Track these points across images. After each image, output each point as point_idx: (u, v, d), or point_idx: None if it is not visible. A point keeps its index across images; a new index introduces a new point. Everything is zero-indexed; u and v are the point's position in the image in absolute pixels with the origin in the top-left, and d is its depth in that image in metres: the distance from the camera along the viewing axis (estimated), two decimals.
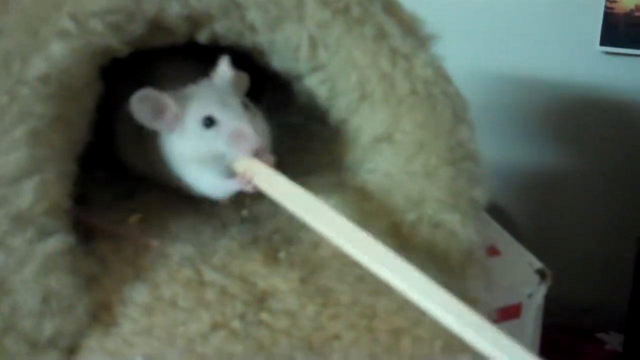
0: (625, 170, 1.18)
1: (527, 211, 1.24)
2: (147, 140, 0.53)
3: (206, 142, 0.49)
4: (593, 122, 1.16)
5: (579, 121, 1.17)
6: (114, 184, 0.59)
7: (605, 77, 1.13)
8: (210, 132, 0.49)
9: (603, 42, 1.08)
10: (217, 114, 0.49)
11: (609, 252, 1.21)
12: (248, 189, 0.50)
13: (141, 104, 0.48)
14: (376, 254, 0.43)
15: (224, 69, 0.53)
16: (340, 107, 0.55)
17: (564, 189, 1.21)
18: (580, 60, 1.13)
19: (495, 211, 0.79)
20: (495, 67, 1.16)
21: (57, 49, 0.44)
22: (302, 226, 0.52)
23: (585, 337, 1.18)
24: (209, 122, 0.49)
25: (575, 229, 1.21)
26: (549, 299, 0.63)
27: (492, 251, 0.64)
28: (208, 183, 0.53)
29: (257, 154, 0.49)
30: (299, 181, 0.49)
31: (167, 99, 0.49)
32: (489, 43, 1.15)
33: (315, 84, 0.55)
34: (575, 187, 1.21)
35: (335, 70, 0.54)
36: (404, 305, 0.46)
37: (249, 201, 0.57)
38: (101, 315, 0.43)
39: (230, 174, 0.51)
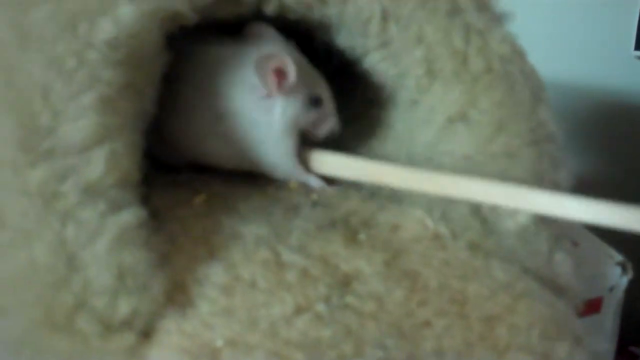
0: None
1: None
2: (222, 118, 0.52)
3: (307, 117, 0.52)
4: (628, 128, 1.14)
5: (613, 127, 1.15)
6: (174, 168, 0.55)
7: None
8: (313, 110, 0.52)
9: (638, 47, 1.07)
10: (324, 95, 0.53)
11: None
12: (316, 185, 0.55)
13: (262, 68, 0.49)
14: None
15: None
16: (409, 86, 0.52)
17: (598, 194, 1.18)
18: (615, 65, 1.11)
19: None
20: None
21: (126, 12, 0.41)
22: (378, 209, 0.49)
23: (619, 350, 1.14)
24: (316, 102, 0.52)
25: (608, 238, 1.18)
26: None
27: (572, 242, 0.60)
28: (289, 152, 0.53)
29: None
30: None
31: (290, 62, 0.49)
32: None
33: (379, 61, 0.53)
34: (610, 194, 1.18)
35: (400, 46, 0.51)
36: (497, 291, 0.43)
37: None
38: (176, 295, 0.39)
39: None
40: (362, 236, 0.47)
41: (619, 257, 0.59)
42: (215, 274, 0.41)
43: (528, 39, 1.10)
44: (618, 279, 0.58)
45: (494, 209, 0.48)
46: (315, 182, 0.55)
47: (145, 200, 0.42)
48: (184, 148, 0.55)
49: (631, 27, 1.06)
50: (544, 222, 0.48)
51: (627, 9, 1.06)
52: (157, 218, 0.45)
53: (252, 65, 0.49)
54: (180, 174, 0.56)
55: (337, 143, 0.57)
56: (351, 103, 0.61)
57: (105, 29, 0.41)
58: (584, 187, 1.11)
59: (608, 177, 1.18)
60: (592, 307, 0.58)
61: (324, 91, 0.53)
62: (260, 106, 0.51)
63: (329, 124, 0.53)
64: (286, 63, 0.49)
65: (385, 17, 0.50)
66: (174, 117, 0.53)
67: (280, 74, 0.49)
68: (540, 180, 0.49)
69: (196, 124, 0.53)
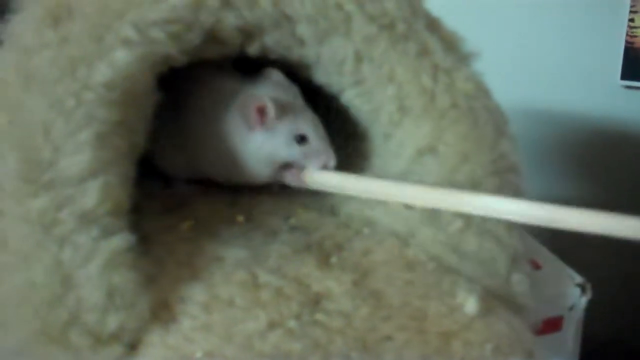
0: None
1: (545, 244, 1.24)
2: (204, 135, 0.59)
3: (293, 153, 0.57)
4: (614, 156, 1.17)
5: (599, 155, 1.18)
6: (163, 196, 0.60)
7: (627, 111, 1.13)
8: (299, 147, 0.56)
9: (624, 76, 1.10)
10: (309, 134, 0.56)
11: (632, 292, 1.20)
12: (298, 184, 0.59)
13: (246, 106, 0.55)
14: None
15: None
16: (383, 121, 0.57)
17: None
18: (602, 94, 1.14)
19: None
20: (515, 101, 1.16)
21: (121, 56, 0.46)
22: (352, 234, 0.53)
23: None
24: (301, 139, 0.56)
25: (595, 264, 1.21)
26: None
27: (534, 264, 0.64)
28: (266, 174, 0.59)
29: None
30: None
31: (270, 103, 0.55)
32: (509, 77, 1.16)
33: (354, 97, 0.57)
34: None
35: (373, 84, 0.56)
36: (454, 309, 0.47)
37: (297, 210, 0.58)
38: (161, 312, 0.43)
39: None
40: (334, 259, 0.51)
41: (578, 279, 0.63)
42: (196, 293, 0.45)
43: (516, 68, 1.14)
44: (577, 299, 0.62)
45: (461, 232, 0.52)
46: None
47: (135, 226, 0.47)
48: (184, 164, 0.62)
49: (617, 57, 1.10)
50: (503, 244, 0.51)
51: (614, 39, 1.09)
52: (146, 242, 0.49)
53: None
54: (173, 186, 0.63)
55: None
56: (332, 136, 0.66)
57: (102, 72, 0.45)
58: None
59: (596, 203, 1.19)
60: (553, 325, 0.61)
61: (313, 130, 0.57)
62: (245, 137, 0.57)
63: (321, 160, 0.57)
64: (266, 104, 0.55)
65: (358, 58, 0.55)
66: (182, 136, 0.60)
67: (262, 112, 0.55)
68: None
69: (200, 143, 0.60)
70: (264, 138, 0.56)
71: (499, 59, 1.11)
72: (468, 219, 0.51)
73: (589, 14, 1.11)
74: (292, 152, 0.56)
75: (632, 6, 1.06)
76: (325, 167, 0.57)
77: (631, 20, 1.07)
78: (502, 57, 1.16)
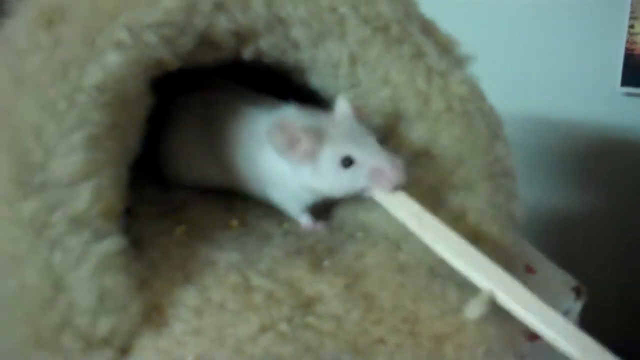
0: None
1: (544, 251, 1.25)
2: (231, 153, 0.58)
3: (347, 180, 0.51)
4: (614, 163, 1.17)
5: (599, 161, 1.18)
6: (159, 201, 0.60)
7: (627, 118, 1.14)
8: (350, 171, 0.51)
9: (624, 83, 1.10)
10: (355, 153, 0.50)
11: (624, 296, 1.19)
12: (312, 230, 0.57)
13: (277, 134, 0.50)
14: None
15: (342, 106, 0.53)
16: (378, 125, 0.56)
17: (584, 230, 1.21)
18: (602, 100, 1.14)
19: None
20: (516, 108, 1.16)
21: (113, 59, 0.46)
22: (344, 238, 0.53)
23: None
24: (348, 162, 0.50)
25: (592, 269, 1.21)
26: None
27: (528, 269, 0.64)
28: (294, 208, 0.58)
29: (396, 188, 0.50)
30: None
31: (302, 134, 0.51)
32: (509, 83, 1.16)
33: (350, 100, 0.56)
34: (595, 227, 1.21)
35: (368, 87, 0.56)
36: (447, 312, 0.47)
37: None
38: (153, 316, 0.44)
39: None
40: (326, 262, 0.51)
41: (573, 283, 0.63)
42: (188, 297, 0.45)
43: (517, 75, 1.14)
44: (572, 303, 0.62)
45: None
46: (305, 222, 0.59)
47: (130, 230, 0.47)
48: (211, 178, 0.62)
49: (617, 64, 1.09)
50: (497, 249, 0.51)
51: (614, 47, 1.09)
52: (140, 246, 0.49)
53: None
54: (170, 191, 0.63)
55: None
56: None
57: (94, 75, 0.45)
58: (570, 221, 1.14)
59: (595, 209, 1.20)
60: None
61: (357, 147, 0.51)
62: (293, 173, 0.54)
63: (386, 181, 0.50)
64: (297, 134, 0.51)
65: (353, 61, 0.55)
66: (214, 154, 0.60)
67: (293, 141, 0.51)
68: (497, 211, 0.53)
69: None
70: (312, 172, 0.52)
71: (499, 66, 1.11)
72: (462, 223, 0.51)
73: (589, 20, 1.11)
74: (345, 179, 0.51)
75: (632, 12, 1.06)
76: (395, 189, 0.50)
77: (631, 26, 1.07)
78: (502, 64, 1.16)
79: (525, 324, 0.43)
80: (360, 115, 0.53)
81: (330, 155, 0.51)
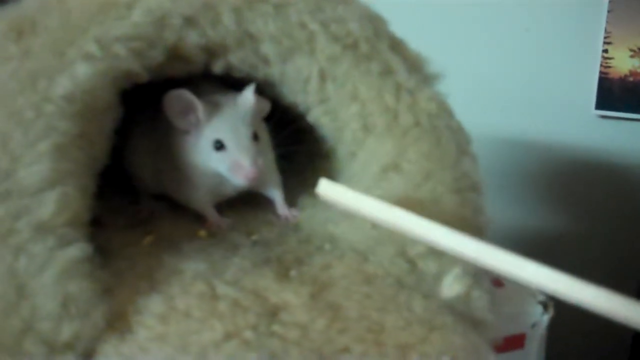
0: (621, 233, 1.19)
1: None
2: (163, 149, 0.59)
3: (213, 162, 0.56)
4: (589, 185, 1.19)
5: (574, 184, 1.20)
6: (127, 211, 0.60)
7: (601, 141, 1.16)
8: (218, 155, 0.55)
9: (598, 106, 1.12)
10: (226, 140, 0.55)
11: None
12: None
13: (173, 100, 0.54)
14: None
15: (247, 95, 0.57)
16: (347, 139, 0.57)
17: (561, 251, 1.22)
18: (576, 123, 1.16)
19: None
20: (491, 130, 1.18)
21: (82, 70, 0.47)
22: (312, 250, 0.54)
23: None
24: (219, 145, 0.55)
25: None
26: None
27: (497, 282, 0.65)
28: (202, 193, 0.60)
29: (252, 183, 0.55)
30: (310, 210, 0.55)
31: (198, 104, 0.54)
32: (485, 107, 1.18)
33: (320, 116, 0.58)
34: (570, 249, 1.21)
35: (337, 102, 0.57)
36: (413, 322, 0.47)
37: (260, 226, 0.59)
38: (117, 322, 0.43)
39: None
40: (293, 272, 0.51)
41: (541, 297, 0.63)
42: (153, 304, 0.45)
43: (491, 98, 1.15)
44: (540, 316, 0.62)
45: (422, 257, 0.52)
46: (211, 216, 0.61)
47: (98, 240, 0.47)
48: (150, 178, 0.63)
49: (592, 87, 1.12)
50: (464, 264, 0.52)
51: (588, 70, 1.12)
52: (108, 256, 0.50)
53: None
54: (140, 202, 0.64)
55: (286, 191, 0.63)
56: (297, 155, 0.66)
57: (63, 85, 0.46)
58: (546, 242, 1.14)
59: (570, 232, 1.21)
60: (515, 342, 0.62)
61: (232, 136, 0.55)
62: (180, 142, 0.58)
63: (240, 173, 0.54)
64: (193, 102, 0.55)
65: (323, 77, 0.56)
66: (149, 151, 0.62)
67: (187, 109, 0.55)
68: (463, 225, 0.53)
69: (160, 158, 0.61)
70: (191, 143, 0.57)
71: (473, 89, 1.13)
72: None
73: (564, 44, 1.13)
74: (212, 160, 0.56)
75: (605, 37, 1.08)
76: (250, 182, 0.55)
77: (605, 51, 1.09)
78: (477, 87, 1.18)
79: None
80: (260, 110, 0.59)
81: (208, 133, 0.55)
